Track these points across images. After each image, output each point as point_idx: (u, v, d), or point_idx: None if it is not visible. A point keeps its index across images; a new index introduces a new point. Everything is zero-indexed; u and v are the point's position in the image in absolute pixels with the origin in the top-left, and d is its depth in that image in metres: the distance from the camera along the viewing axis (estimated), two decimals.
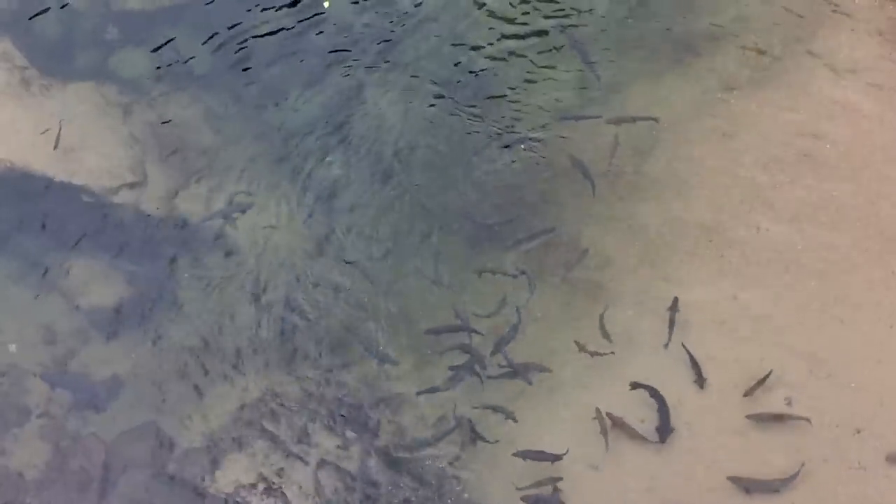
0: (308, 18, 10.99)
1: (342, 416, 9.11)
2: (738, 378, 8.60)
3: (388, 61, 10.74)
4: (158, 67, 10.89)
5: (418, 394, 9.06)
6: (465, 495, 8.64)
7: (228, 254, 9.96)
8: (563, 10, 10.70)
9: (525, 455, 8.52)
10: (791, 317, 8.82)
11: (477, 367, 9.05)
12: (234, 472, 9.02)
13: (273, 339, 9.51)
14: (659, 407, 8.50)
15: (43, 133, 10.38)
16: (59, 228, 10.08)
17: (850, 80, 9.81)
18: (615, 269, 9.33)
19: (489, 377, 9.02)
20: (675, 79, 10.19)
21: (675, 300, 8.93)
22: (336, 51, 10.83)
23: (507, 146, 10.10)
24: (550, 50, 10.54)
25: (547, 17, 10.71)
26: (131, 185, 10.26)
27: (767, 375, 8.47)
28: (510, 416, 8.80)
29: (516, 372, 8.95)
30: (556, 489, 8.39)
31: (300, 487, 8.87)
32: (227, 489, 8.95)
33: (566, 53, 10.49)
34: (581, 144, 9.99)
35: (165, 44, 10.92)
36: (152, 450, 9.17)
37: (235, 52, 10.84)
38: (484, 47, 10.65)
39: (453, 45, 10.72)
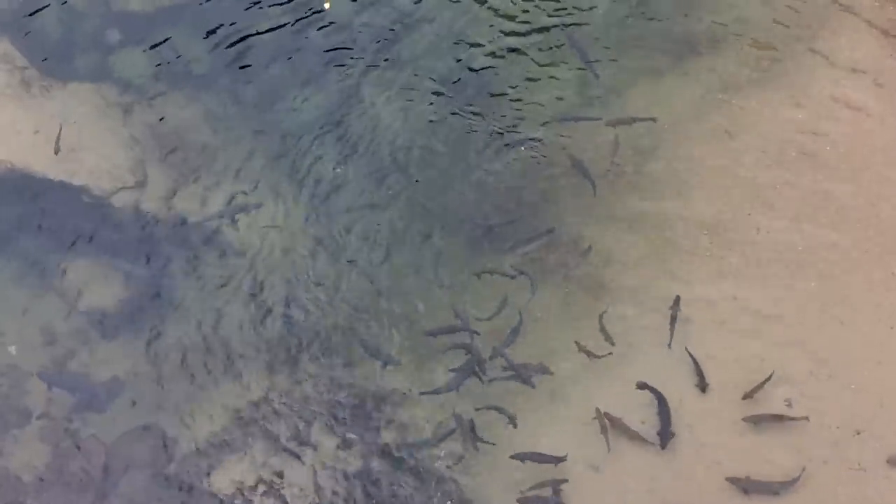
0: (307, 18, 10.99)
1: (342, 417, 9.11)
2: (738, 379, 8.59)
3: (387, 60, 10.74)
4: (158, 67, 10.90)
5: (420, 394, 9.06)
6: (466, 496, 8.64)
7: (228, 254, 9.97)
8: (565, 8, 10.69)
9: (523, 457, 8.51)
10: (791, 317, 8.81)
11: (477, 369, 9.05)
12: (235, 473, 9.01)
13: (273, 339, 9.51)
14: (660, 411, 8.50)
15: (36, 132, 10.37)
16: (59, 229, 10.09)
17: (850, 80, 9.79)
18: (616, 269, 9.32)
19: (491, 379, 9.03)
20: (675, 78, 10.18)
21: (678, 299, 8.93)
22: (335, 49, 10.83)
23: (507, 146, 10.09)
24: (551, 49, 10.53)
25: (547, 17, 10.70)
26: (131, 186, 10.27)
27: (768, 378, 8.46)
28: (511, 417, 8.80)
29: (518, 374, 8.95)
30: (556, 491, 8.39)
31: (300, 489, 8.87)
32: (227, 490, 8.94)
33: (566, 52, 10.47)
34: (581, 144, 9.98)
35: (165, 44, 10.94)
36: (153, 451, 9.18)
37: (235, 53, 10.84)
38: (484, 45, 10.65)
39: (453, 43, 10.72)
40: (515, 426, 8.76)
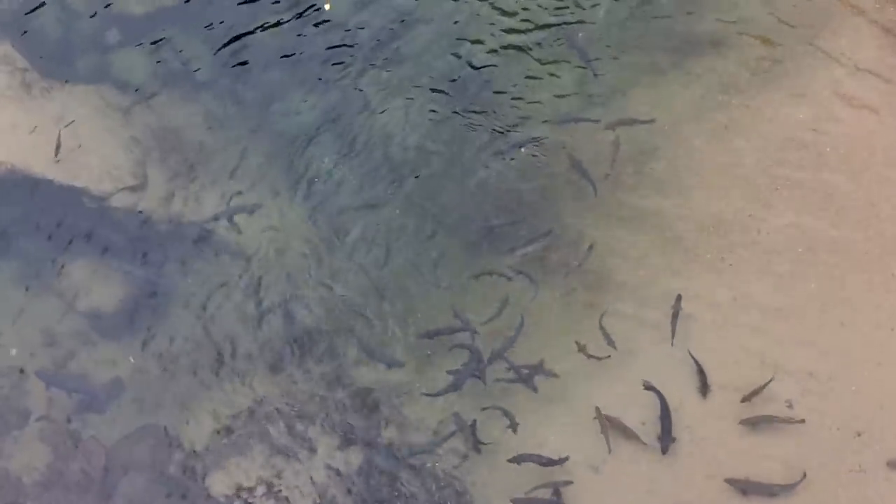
0: (307, 18, 10.95)
1: (343, 418, 9.11)
2: (738, 380, 8.59)
3: (386, 59, 10.70)
4: (159, 66, 10.88)
5: (422, 395, 9.06)
6: (467, 497, 8.65)
7: (228, 254, 9.97)
8: (566, 6, 10.64)
9: (521, 459, 8.50)
10: (791, 319, 8.79)
11: (478, 371, 9.05)
12: (235, 475, 9.03)
13: (274, 340, 9.53)
14: (662, 415, 8.49)
15: (36, 134, 10.37)
16: (59, 230, 10.09)
17: (852, 80, 9.75)
18: (616, 270, 9.30)
19: (494, 380, 9.03)
20: (676, 78, 10.14)
21: (679, 298, 8.92)
22: (335, 47, 10.78)
23: (507, 146, 10.06)
24: (552, 48, 10.49)
25: (549, 16, 10.65)
26: (131, 188, 10.26)
27: (767, 383, 8.45)
28: (511, 419, 8.79)
29: (520, 377, 8.95)
30: (557, 493, 8.39)
31: (301, 490, 8.89)
32: (227, 492, 8.97)
33: (567, 52, 10.44)
34: (582, 145, 9.94)
35: (165, 46, 10.90)
36: (153, 452, 9.20)
37: (235, 53, 10.81)
38: (483, 44, 10.60)
39: (453, 42, 10.67)
40: (516, 431, 8.76)
